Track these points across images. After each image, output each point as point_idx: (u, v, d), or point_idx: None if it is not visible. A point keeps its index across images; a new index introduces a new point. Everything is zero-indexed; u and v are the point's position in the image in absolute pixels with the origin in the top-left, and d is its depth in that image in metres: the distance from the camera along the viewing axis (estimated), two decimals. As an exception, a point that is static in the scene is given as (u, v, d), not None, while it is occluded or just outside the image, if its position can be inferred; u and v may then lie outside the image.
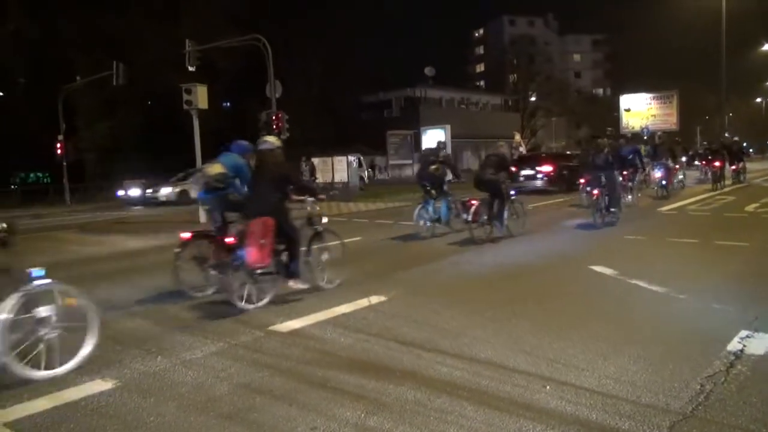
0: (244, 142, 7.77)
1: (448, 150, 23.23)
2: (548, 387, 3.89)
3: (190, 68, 19.85)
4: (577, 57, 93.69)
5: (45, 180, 46.39)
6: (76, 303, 4.72)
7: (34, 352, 4.34)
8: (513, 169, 11.80)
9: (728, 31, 34.79)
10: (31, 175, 47.64)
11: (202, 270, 7.07)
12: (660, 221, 12.67)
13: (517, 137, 20.61)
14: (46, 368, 4.36)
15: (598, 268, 7.60)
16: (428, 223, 11.28)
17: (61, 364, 4.43)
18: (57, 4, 33.70)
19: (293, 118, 19.73)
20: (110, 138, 37.05)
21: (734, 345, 4.52)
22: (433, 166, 11.48)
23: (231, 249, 6.41)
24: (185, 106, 15.26)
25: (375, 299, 6.39)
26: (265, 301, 6.32)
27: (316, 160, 26.79)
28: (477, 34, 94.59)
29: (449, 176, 11.71)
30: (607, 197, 11.73)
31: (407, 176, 35.94)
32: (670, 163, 18.73)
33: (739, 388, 3.78)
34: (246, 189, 7.20)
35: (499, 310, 5.88)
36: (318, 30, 43.71)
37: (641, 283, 6.69)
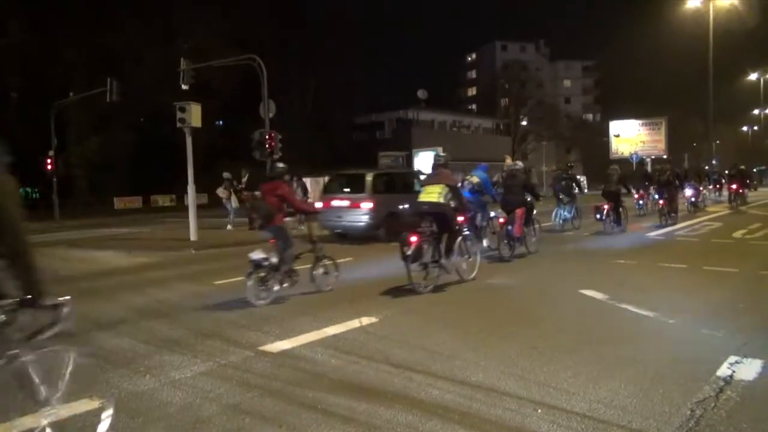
0: (485, 164, 13.00)
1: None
2: (539, 411, 3.88)
3: (184, 87, 19.87)
4: (567, 83, 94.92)
5: (34, 195, 46.07)
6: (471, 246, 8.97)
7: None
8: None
9: (716, 61, 35.45)
10: (21, 190, 47.25)
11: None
12: (649, 246, 12.75)
13: (508, 160, 20.74)
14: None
15: (588, 293, 7.62)
16: (561, 221, 16.04)
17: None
18: (55, 20, 33.83)
19: (286, 138, 19.75)
20: (101, 154, 36.97)
21: (724, 370, 4.54)
22: (564, 182, 16.29)
23: (502, 226, 10.92)
24: (179, 124, 15.25)
25: (366, 320, 6.37)
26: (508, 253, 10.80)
27: (307, 180, 26.84)
28: (470, 59, 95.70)
29: (576, 189, 16.48)
30: (669, 205, 16.60)
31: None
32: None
33: (729, 413, 3.79)
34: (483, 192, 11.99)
35: (490, 333, 5.89)
36: (312, 51, 44.10)
37: (631, 308, 6.72)
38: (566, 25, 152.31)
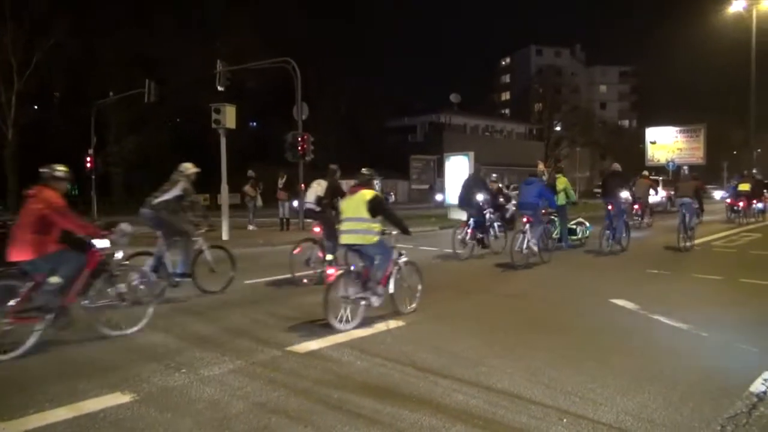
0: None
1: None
2: (565, 420, 3.85)
3: (220, 88, 20.18)
4: (603, 88, 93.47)
5: (73, 192, 47.22)
6: None
7: None
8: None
9: (758, 67, 34.49)
10: (60, 186, 48.55)
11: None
12: (684, 256, 12.48)
13: (541, 166, 20.64)
14: None
15: (619, 302, 7.51)
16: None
17: None
18: (97, 22, 34.75)
19: (318, 140, 19.92)
20: (138, 153, 37.80)
21: (757, 386, 4.44)
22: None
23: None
24: (213, 125, 15.51)
25: (393, 324, 6.40)
26: None
27: (339, 182, 26.94)
28: (503, 63, 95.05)
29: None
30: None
31: (432, 201, 35.91)
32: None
33: (762, 430, 3.70)
34: None
35: (518, 340, 5.85)
36: (346, 54, 44.38)
37: (663, 319, 6.60)
38: (603, 30, 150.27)
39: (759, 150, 50.57)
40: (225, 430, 3.74)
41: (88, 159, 28.92)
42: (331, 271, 6.83)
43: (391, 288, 6.72)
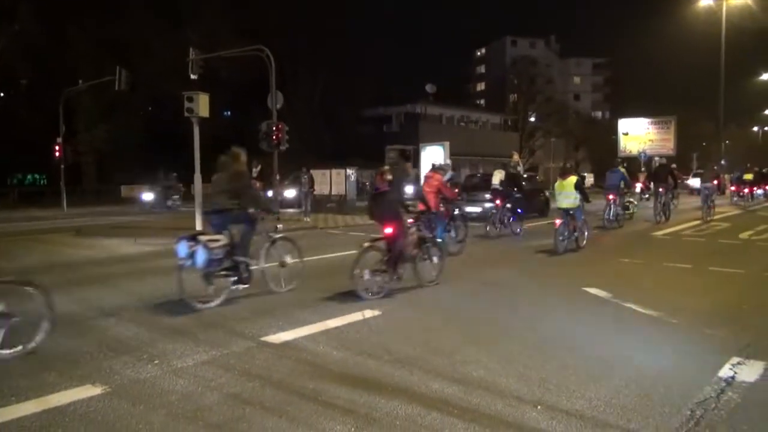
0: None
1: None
2: (539, 407, 3.88)
3: (193, 76, 19.84)
4: (577, 79, 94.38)
5: (42, 182, 46.27)
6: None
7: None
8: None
9: (728, 60, 35.20)
10: (29, 176, 47.58)
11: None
12: (655, 246, 12.71)
13: (515, 157, 20.80)
14: None
15: (592, 290, 7.61)
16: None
17: None
18: (65, 8, 33.87)
19: (293, 129, 19.72)
20: (109, 142, 37.08)
21: (725, 371, 4.53)
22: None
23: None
24: (186, 114, 15.24)
25: (369, 313, 6.39)
26: None
27: (314, 172, 26.81)
28: (479, 53, 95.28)
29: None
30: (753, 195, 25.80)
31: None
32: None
33: (730, 414, 3.78)
34: None
35: (493, 329, 5.89)
36: (321, 43, 43.97)
37: (635, 307, 6.70)
38: (578, 22, 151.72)
39: (728, 141, 51.68)
40: (198, 422, 3.69)
41: (57, 148, 28.28)
42: (557, 221, 11.04)
43: (580, 231, 11.48)
